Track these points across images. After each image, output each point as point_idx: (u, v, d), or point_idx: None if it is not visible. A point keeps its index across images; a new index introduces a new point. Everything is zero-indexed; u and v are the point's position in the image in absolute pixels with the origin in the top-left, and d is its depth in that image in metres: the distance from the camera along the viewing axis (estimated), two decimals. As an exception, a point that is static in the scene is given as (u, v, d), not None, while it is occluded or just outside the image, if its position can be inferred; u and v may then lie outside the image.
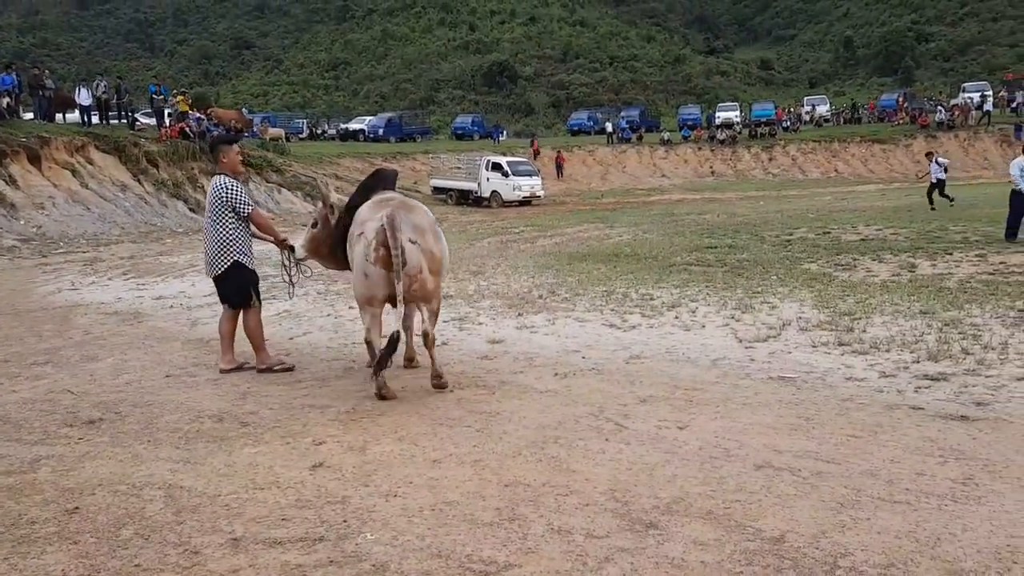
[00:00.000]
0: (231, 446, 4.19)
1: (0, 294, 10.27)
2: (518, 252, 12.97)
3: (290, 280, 6.12)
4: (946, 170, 18.36)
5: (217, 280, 5.76)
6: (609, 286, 8.95)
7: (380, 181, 5.75)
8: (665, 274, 9.76)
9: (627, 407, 4.73)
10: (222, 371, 5.78)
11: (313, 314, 8.15)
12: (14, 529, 3.24)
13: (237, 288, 5.73)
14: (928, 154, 20.49)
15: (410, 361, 5.88)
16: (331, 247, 5.80)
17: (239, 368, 5.83)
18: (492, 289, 9.13)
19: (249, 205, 5.68)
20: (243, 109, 38.91)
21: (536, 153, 36.99)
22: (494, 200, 27.61)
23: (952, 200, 17.85)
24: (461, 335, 6.77)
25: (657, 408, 4.70)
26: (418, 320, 5.27)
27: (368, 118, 46.86)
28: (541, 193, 28.35)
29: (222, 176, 5.68)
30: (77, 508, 3.42)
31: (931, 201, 17.94)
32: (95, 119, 23.79)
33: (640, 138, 42.67)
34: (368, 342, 5.14)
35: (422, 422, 4.52)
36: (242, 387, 5.41)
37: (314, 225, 5.97)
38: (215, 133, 25.54)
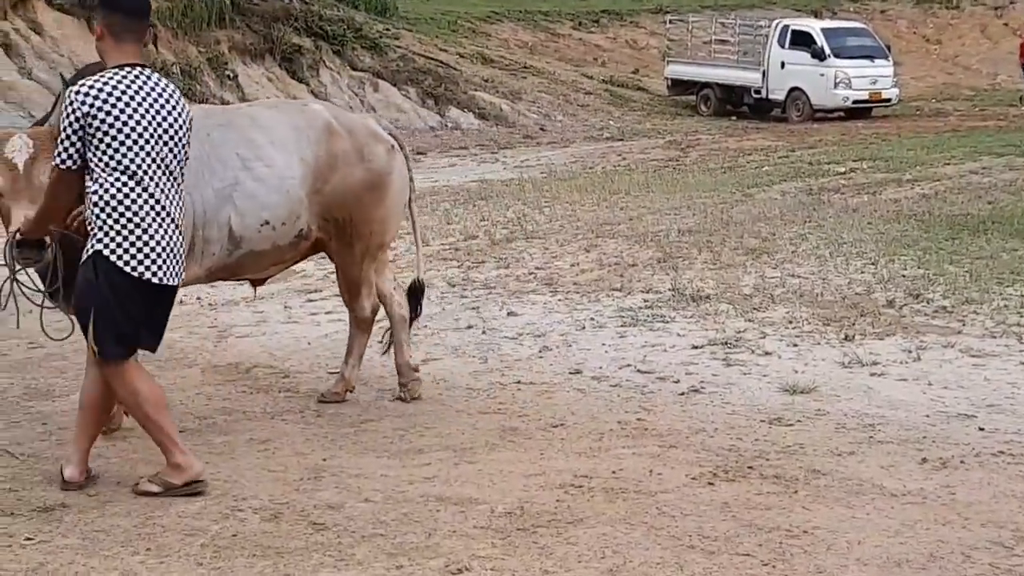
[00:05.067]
0: (294, 567, 4.29)
1: None
2: (843, 213, 12.96)
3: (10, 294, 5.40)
4: None
5: None
6: (1039, 285, 8.85)
7: None
8: None
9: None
10: None
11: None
12: None
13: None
14: None
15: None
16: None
17: None
18: (791, 285, 9.23)
19: None
20: None
21: None
22: (794, 107, 27.28)
23: None
24: (729, 373, 6.98)
25: None
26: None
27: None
28: (893, 94, 27.32)
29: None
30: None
31: None
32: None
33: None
34: (371, 316, 6.52)
35: (654, 541, 4.56)
36: (312, 457, 5.58)
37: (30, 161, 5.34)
38: None
